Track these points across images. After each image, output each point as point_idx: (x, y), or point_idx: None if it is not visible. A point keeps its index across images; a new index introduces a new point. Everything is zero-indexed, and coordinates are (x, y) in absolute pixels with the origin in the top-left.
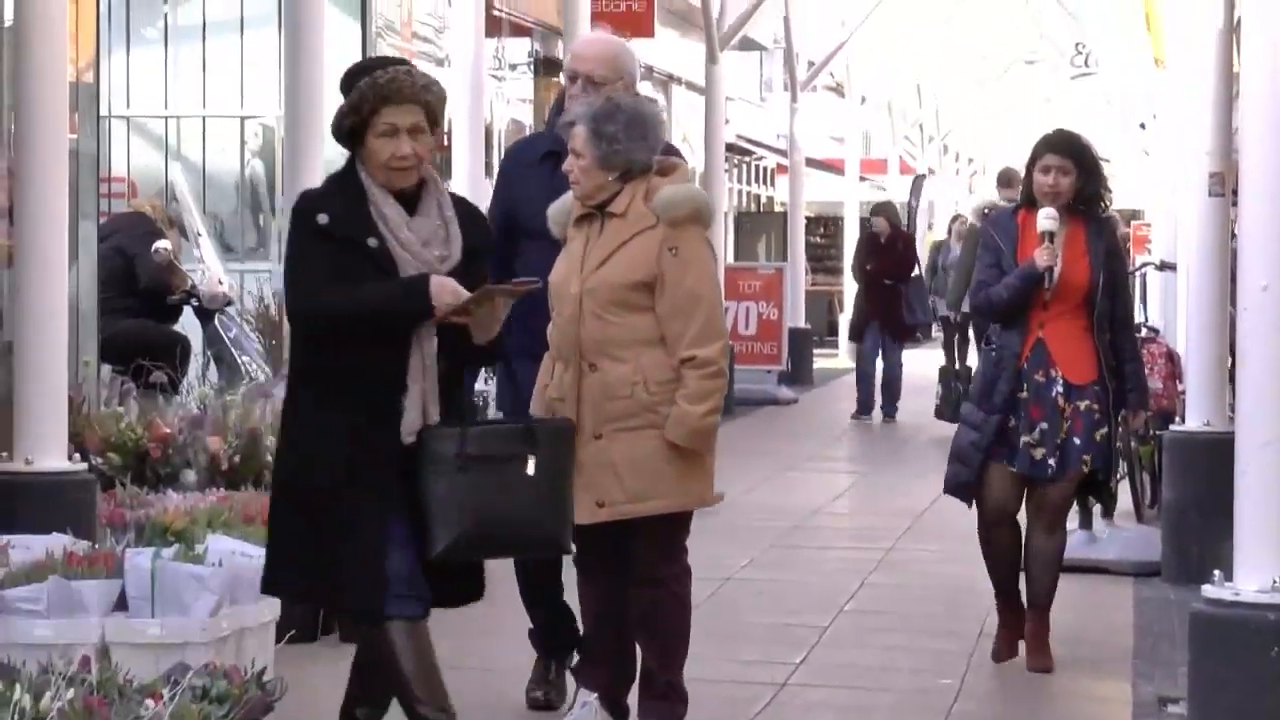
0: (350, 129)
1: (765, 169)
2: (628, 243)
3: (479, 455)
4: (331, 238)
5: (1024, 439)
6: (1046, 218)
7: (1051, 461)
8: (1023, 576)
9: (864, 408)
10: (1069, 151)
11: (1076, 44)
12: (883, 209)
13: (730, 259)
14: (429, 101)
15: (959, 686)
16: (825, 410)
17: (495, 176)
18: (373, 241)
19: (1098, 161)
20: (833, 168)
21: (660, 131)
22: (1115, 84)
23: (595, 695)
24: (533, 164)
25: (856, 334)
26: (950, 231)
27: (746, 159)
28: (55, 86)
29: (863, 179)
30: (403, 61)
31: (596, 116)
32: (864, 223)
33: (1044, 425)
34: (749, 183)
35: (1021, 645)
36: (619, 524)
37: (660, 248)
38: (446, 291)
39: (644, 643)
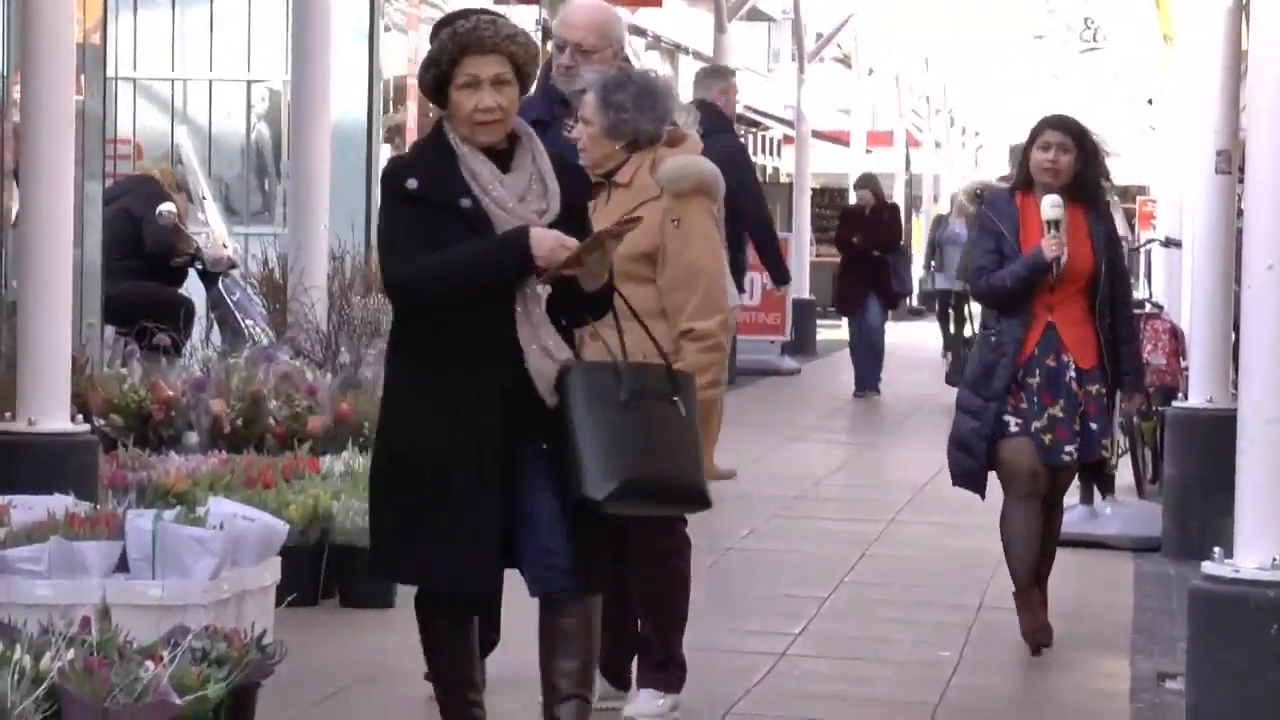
0: (433, 82)
1: (772, 140)
2: (632, 213)
3: (640, 390)
4: (423, 202)
5: (1035, 424)
6: (1052, 206)
7: (1070, 449)
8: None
9: (870, 382)
10: (1070, 130)
11: (1085, 19)
12: (867, 181)
13: None
14: (514, 52)
15: (958, 659)
16: (828, 381)
17: None
18: (465, 202)
19: (1098, 146)
20: (839, 140)
21: (670, 104)
22: (1123, 60)
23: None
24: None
25: (849, 308)
26: (952, 205)
27: (753, 130)
28: (62, 47)
29: (868, 151)
30: (488, 11)
31: (607, 85)
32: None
33: (1056, 412)
34: (755, 154)
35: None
36: None
37: (663, 219)
38: (548, 242)
39: (644, 613)
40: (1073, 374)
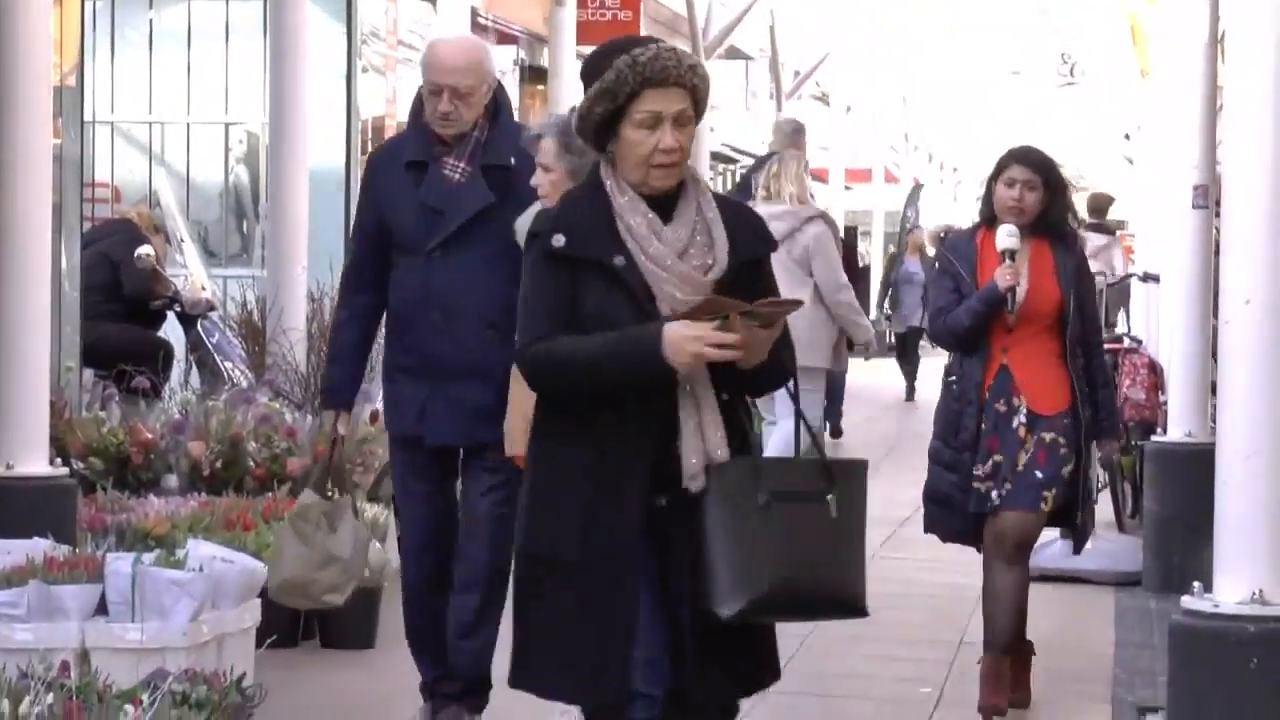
0: (600, 120)
1: None
2: None
3: (783, 492)
4: (570, 262)
5: (976, 470)
6: (1007, 235)
7: (997, 493)
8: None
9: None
10: (1036, 166)
11: (1061, 54)
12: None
13: None
14: (695, 85)
15: (939, 695)
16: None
17: (360, 185)
18: (618, 260)
19: (1065, 183)
20: (818, 177)
21: None
22: (1100, 95)
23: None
24: (397, 174)
25: None
26: (902, 245)
27: (731, 167)
28: (39, 90)
29: (847, 188)
30: (656, 40)
31: (564, 129)
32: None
33: (998, 457)
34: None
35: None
36: None
37: None
38: (686, 345)
39: None
40: (1023, 419)
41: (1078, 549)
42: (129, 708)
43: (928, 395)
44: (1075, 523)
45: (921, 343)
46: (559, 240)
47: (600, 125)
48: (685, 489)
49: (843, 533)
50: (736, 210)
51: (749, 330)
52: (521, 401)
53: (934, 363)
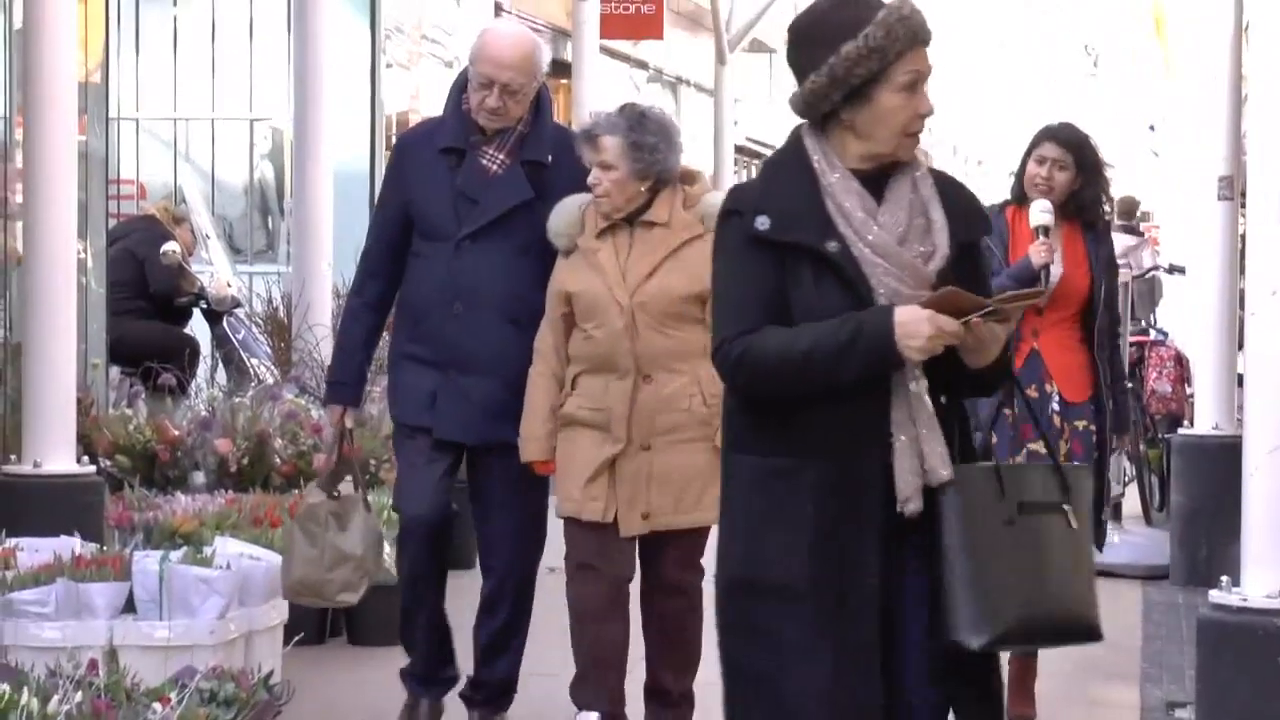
0: (859, 84)
1: None
2: (677, 251)
3: (1028, 503)
4: (774, 246)
5: (1007, 460)
6: (1041, 211)
7: None
8: None
9: None
10: (1069, 145)
11: (1085, 45)
12: None
13: None
14: (930, 39)
15: None
16: None
17: (386, 166)
18: (832, 246)
19: (1100, 164)
20: None
21: (680, 139)
22: (1123, 85)
23: (597, 715)
24: (431, 158)
25: None
26: None
27: (755, 160)
28: (64, 87)
29: None
30: None
31: (630, 126)
32: None
33: (1036, 448)
34: None
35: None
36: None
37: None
38: (922, 329)
39: (663, 653)
40: (1056, 406)
41: (1100, 546)
42: (157, 705)
43: None
44: (1100, 518)
45: None
46: (763, 222)
47: (854, 91)
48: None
49: (1080, 546)
50: (951, 186)
51: (984, 325)
52: (540, 406)
53: None
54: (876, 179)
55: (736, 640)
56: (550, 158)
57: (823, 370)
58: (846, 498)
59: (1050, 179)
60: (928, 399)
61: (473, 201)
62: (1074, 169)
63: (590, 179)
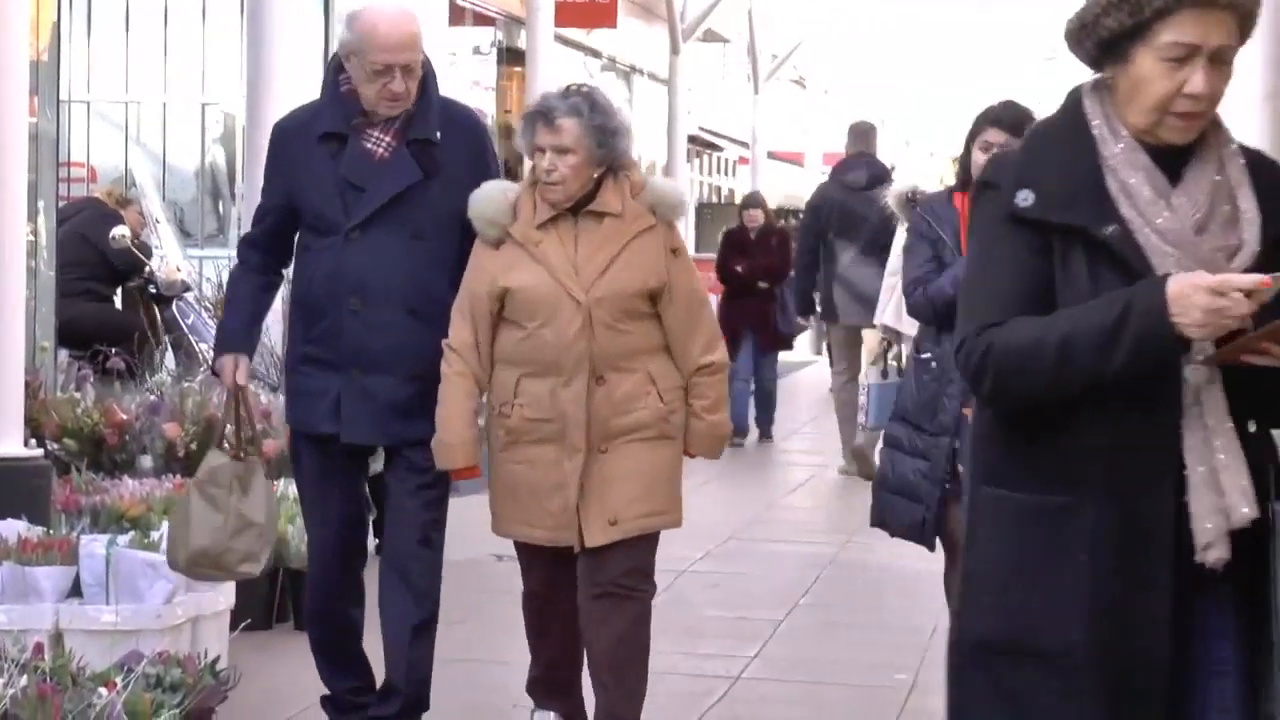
0: (1108, 37)
1: (727, 161)
2: (630, 244)
3: None
4: (1040, 226)
5: None
6: None
7: None
8: None
9: (739, 429)
10: (1014, 126)
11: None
12: (754, 200)
13: (692, 251)
14: (1245, 7)
15: (913, 681)
16: (781, 402)
17: (268, 155)
18: (1109, 229)
19: None
20: (794, 160)
21: (629, 124)
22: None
23: (554, 715)
24: (310, 147)
25: (729, 346)
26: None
27: (708, 150)
28: (15, 68)
29: (825, 171)
30: None
31: (593, 109)
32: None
33: None
34: (711, 174)
35: None
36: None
37: (664, 250)
38: (1199, 302)
39: (611, 671)
40: None
41: None
42: (103, 690)
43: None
44: None
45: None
46: (1025, 198)
47: (1105, 42)
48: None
49: None
50: (1266, 169)
51: None
52: (461, 409)
53: None
54: (1171, 154)
55: (982, 710)
56: (438, 134)
57: (1085, 359)
58: (1130, 544)
59: None
60: (1229, 422)
61: (359, 189)
62: None
63: (543, 164)
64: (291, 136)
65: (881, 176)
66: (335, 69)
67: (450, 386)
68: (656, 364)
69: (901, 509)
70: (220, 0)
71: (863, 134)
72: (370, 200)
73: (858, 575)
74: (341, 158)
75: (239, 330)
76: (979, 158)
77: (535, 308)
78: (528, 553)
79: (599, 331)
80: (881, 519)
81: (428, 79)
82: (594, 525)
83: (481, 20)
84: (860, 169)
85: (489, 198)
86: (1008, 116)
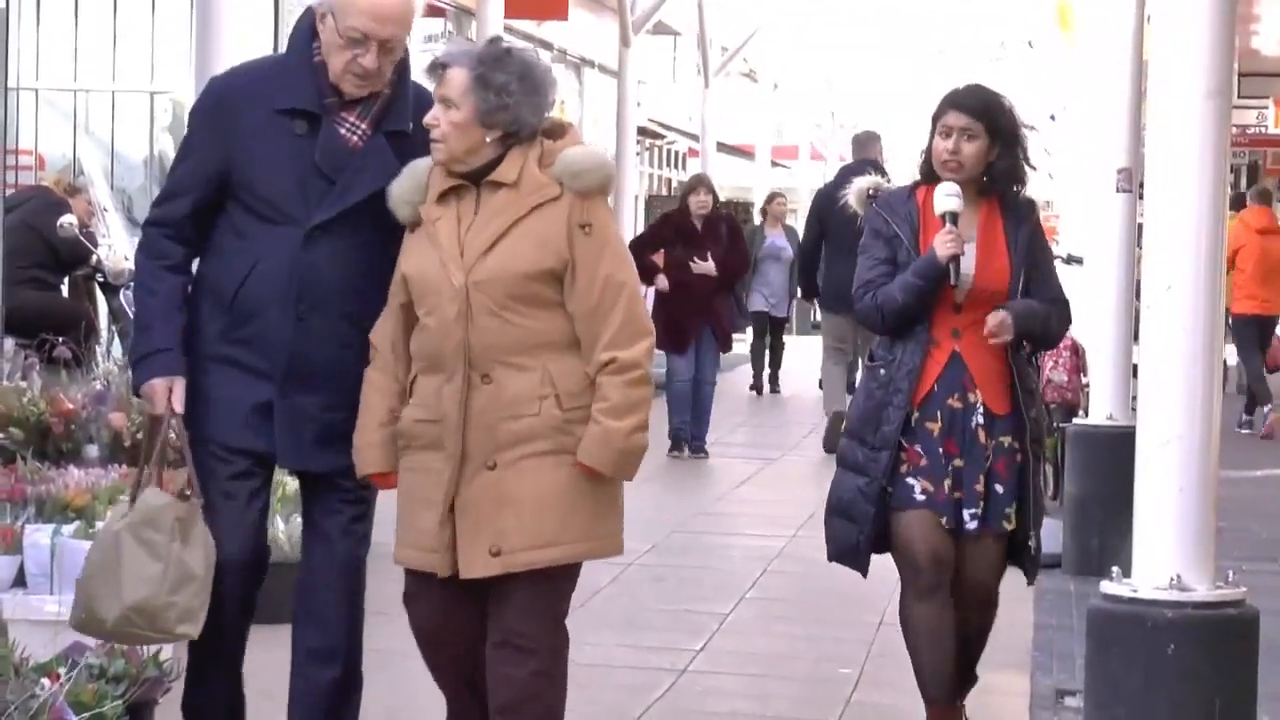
0: None
1: (677, 153)
2: (525, 218)
3: None
4: None
5: (947, 482)
6: (945, 194)
7: (973, 511)
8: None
9: (679, 438)
10: (976, 110)
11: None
12: (701, 181)
13: None
14: None
15: (858, 675)
16: (727, 395)
17: (196, 111)
18: None
19: (1017, 127)
20: (744, 153)
21: (553, 90)
22: (1027, 74)
23: None
24: (266, 120)
25: (676, 341)
26: (764, 215)
27: (658, 142)
28: None
29: (774, 164)
30: None
31: (483, 59)
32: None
33: (958, 462)
34: (660, 166)
35: None
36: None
37: (569, 225)
38: None
39: None
40: (980, 419)
41: (1031, 578)
42: (46, 681)
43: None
44: (1029, 550)
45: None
46: None
47: None
48: None
49: None
50: None
51: None
52: (375, 409)
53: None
54: None
55: None
56: (411, 125)
57: None
58: None
59: (959, 152)
60: None
61: (328, 181)
62: (985, 137)
63: (427, 118)
64: (243, 102)
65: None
66: (309, 30)
67: (367, 385)
68: (561, 363)
69: (839, 531)
70: None
71: (864, 142)
72: (342, 196)
73: (804, 568)
74: (309, 140)
75: (168, 349)
76: (938, 145)
77: (423, 294)
78: (412, 580)
79: (480, 319)
80: (827, 542)
81: (404, 66)
82: (471, 552)
83: (433, 11)
84: (864, 175)
85: (406, 174)
86: (970, 100)
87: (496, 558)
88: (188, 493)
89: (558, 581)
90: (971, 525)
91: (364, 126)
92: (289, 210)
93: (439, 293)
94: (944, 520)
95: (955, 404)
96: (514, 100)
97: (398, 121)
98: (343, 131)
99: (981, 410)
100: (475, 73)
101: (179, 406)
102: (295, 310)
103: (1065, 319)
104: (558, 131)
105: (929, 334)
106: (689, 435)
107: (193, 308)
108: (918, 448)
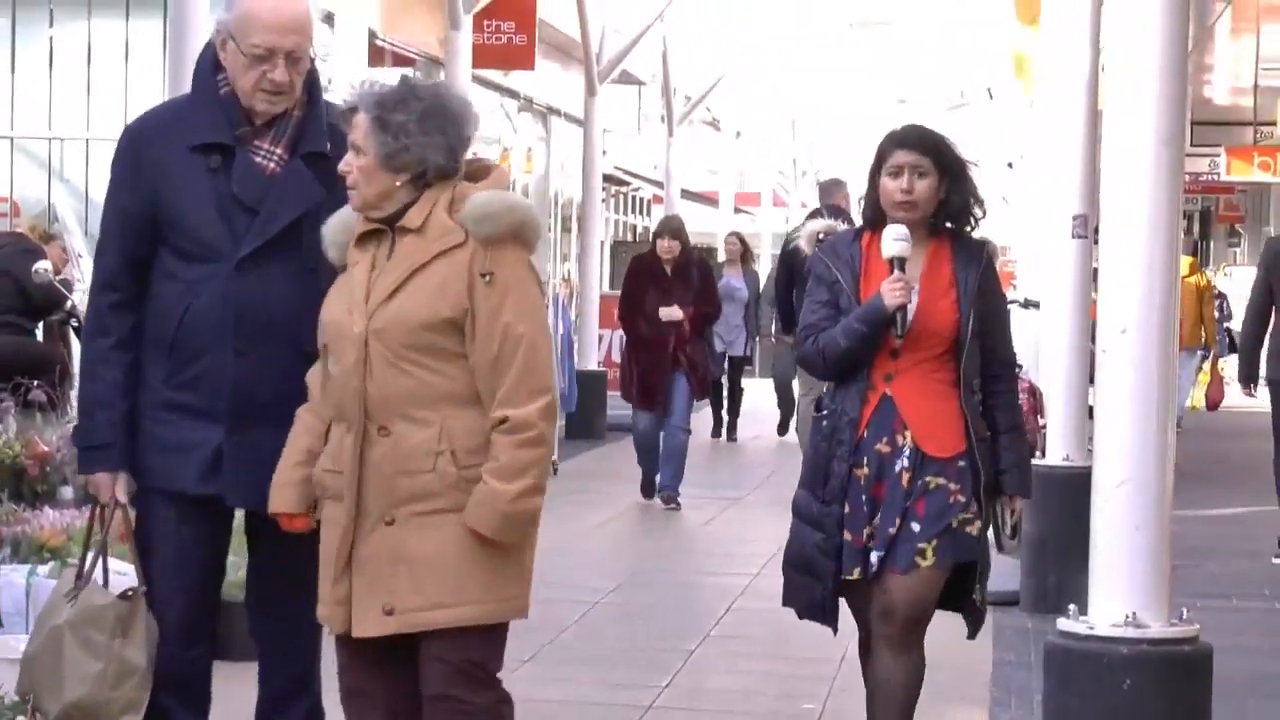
0: None
1: (642, 199)
2: (427, 266)
3: None
4: None
5: (866, 530)
6: (894, 239)
7: (877, 555)
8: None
9: (650, 488)
10: (923, 147)
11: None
12: (669, 227)
13: (606, 288)
14: None
15: (821, 710)
16: (694, 438)
17: (116, 163)
18: None
19: (963, 164)
20: (708, 199)
21: (466, 127)
22: (985, 122)
23: None
24: (182, 158)
25: (644, 398)
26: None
27: (623, 189)
28: None
29: (737, 211)
30: None
31: (384, 102)
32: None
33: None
34: (626, 212)
35: None
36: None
37: (470, 273)
38: None
39: None
40: (904, 463)
41: (973, 633)
42: (21, 718)
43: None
44: (973, 598)
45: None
46: None
47: None
48: None
49: None
50: None
51: None
52: (295, 447)
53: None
54: None
55: None
56: (328, 145)
57: None
58: None
59: (911, 190)
60: None
61: (250, 211)
62: (936, 173)
63: (341, 164)
64: (155, 142)
65: None
66: (211, 65)
67: (295, 423)
68: (461, 419)
69: (802, 588)
70: (143, 38)
71: (828, 189)
72: (266, 224)
73: (768, 605)
74: (223, 172)
75: (116, 441)
76: (888, 185)
77: (332, 339)
78: (338, 641)
79: (378, 369)
80: (788, 598)
81: (314, 82)
82: (365, 609)
83: (400, 61)
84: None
85: (334, 217)
86: (914, 135)
87: (390, 616)
88: (129, 592)
89: (485, 637)
90: (874, 564)
91: (279, 151)
92: (216, 245)
93: (342, 338)
94: (842, 567)
95: (884, 448)
96: (413, 141)
97: (314, 143)
98: (258, 159)
99: (908, 453)
100: (372, 115)
101: (123, 497)
102: (234, 345)
103: (1015, 390)
104: (480, 174)
105: (868, 380)
106: (660, 483)
107: (139, 356)
108: (847, 499)
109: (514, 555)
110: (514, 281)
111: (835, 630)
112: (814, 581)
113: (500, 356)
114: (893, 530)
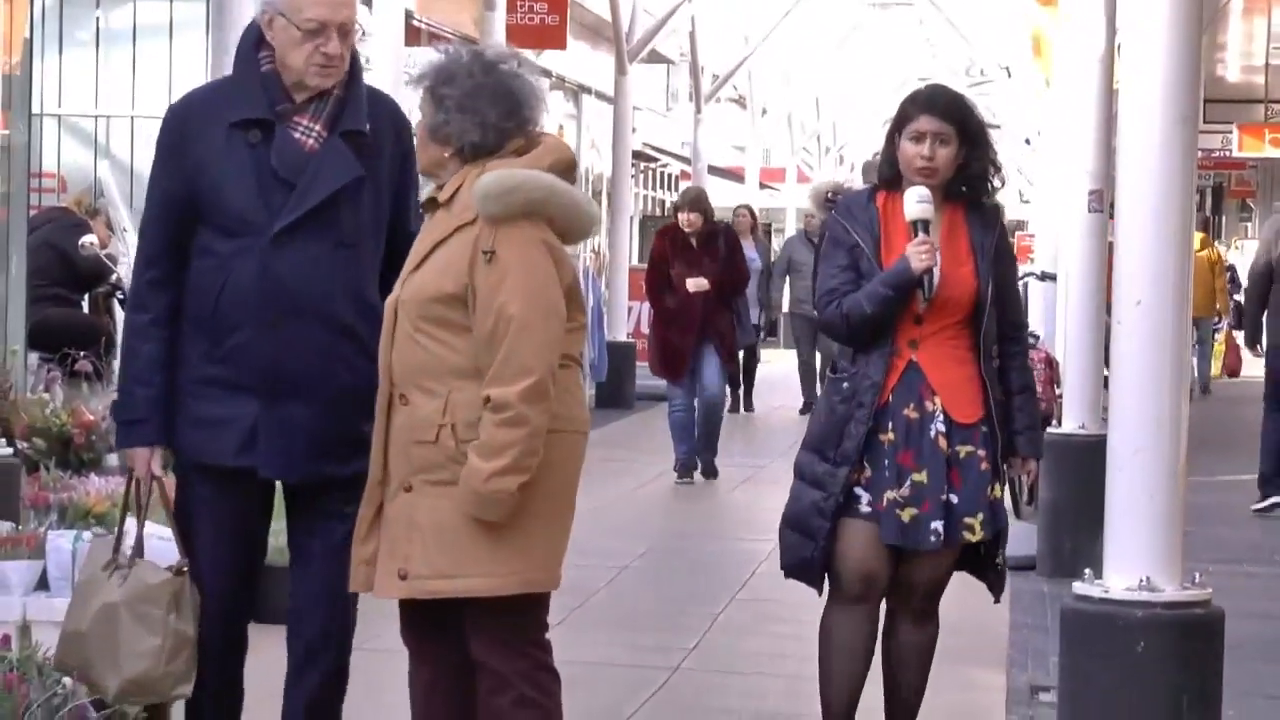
0: None
1: (670, 175)
2: (447, 240)
3: None
4: None
5: (889, 495)
6: (917, 201)
7: (936, 525)
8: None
9: (685, 467)
10: (949, 114)
11: (966, 69)
12: (688, 198)
13: (635, 261)
14: None
15: None
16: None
17: (160, 143)
18: None
19: (985, 129)
20: (734, 175)
21: (523, 108)
22: (1003, 103)
23: None
24: (222, 135)
25: (671, 369)
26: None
27: (652, 165)
28: None
29: (762, 186)
30: None
31: (439, 74)
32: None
33: (920, 477)
34: (654, 188)
35: None
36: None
37: (474, 250)
38: None
39: None
40: (940, 427)
41: (997, 596)
42: (67, 680)
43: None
44: (996, 563)
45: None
46: None
47: None
48: None
49: None
50: None
51: None
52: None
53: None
54: None
55: None
56: (367, 125)
57: None
58: None
59: (933, 158)
60: None
61: (288, 185)
62: (957, 142)
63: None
64: (197, 120)
65: None
66: (253, 43)
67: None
68: (465, 392)
69: (793, 545)
70: (187, 18)
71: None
72: (303, 198)
73: None
74: (264, 148)
75: (152, 416)
76: (909, 150)
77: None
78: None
79: (400, 339)
80: (781, 557)
81: (354, 63)
82: (383, 571)
83: (436, 39)
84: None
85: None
86: (941, 101)
87: (403, 581)
88: (179, 568)
89: (508, 610)
90: (935, 539)
91: (318, 128)
92: (254, 221)
93: (388, 306)
94: (881, 534)
95: (911, 414)
96: (451, 116)
97: (353, 121)
98: (297, 135)
99: (942, 418)
100: (426, 86)
101: (158, 471)
102: (267, 320)
103: (1026, 351)
104: (525, 149)
105: (892, 345)
106: (694, 462)
107: (178, 333)
108: (865, 461)
109: (518, 530)
110: (516, 261)
111: (820, 591)
112: (805, 540)
113: (494, 335)
114: (943, 498)
